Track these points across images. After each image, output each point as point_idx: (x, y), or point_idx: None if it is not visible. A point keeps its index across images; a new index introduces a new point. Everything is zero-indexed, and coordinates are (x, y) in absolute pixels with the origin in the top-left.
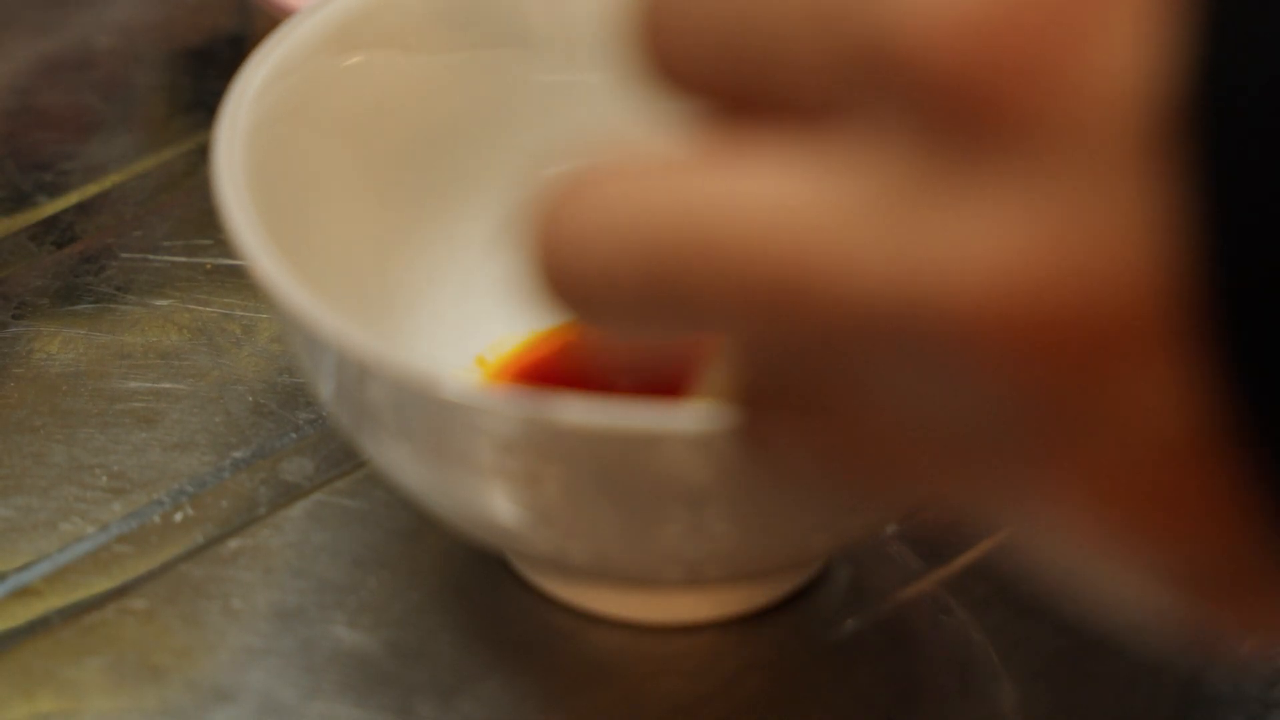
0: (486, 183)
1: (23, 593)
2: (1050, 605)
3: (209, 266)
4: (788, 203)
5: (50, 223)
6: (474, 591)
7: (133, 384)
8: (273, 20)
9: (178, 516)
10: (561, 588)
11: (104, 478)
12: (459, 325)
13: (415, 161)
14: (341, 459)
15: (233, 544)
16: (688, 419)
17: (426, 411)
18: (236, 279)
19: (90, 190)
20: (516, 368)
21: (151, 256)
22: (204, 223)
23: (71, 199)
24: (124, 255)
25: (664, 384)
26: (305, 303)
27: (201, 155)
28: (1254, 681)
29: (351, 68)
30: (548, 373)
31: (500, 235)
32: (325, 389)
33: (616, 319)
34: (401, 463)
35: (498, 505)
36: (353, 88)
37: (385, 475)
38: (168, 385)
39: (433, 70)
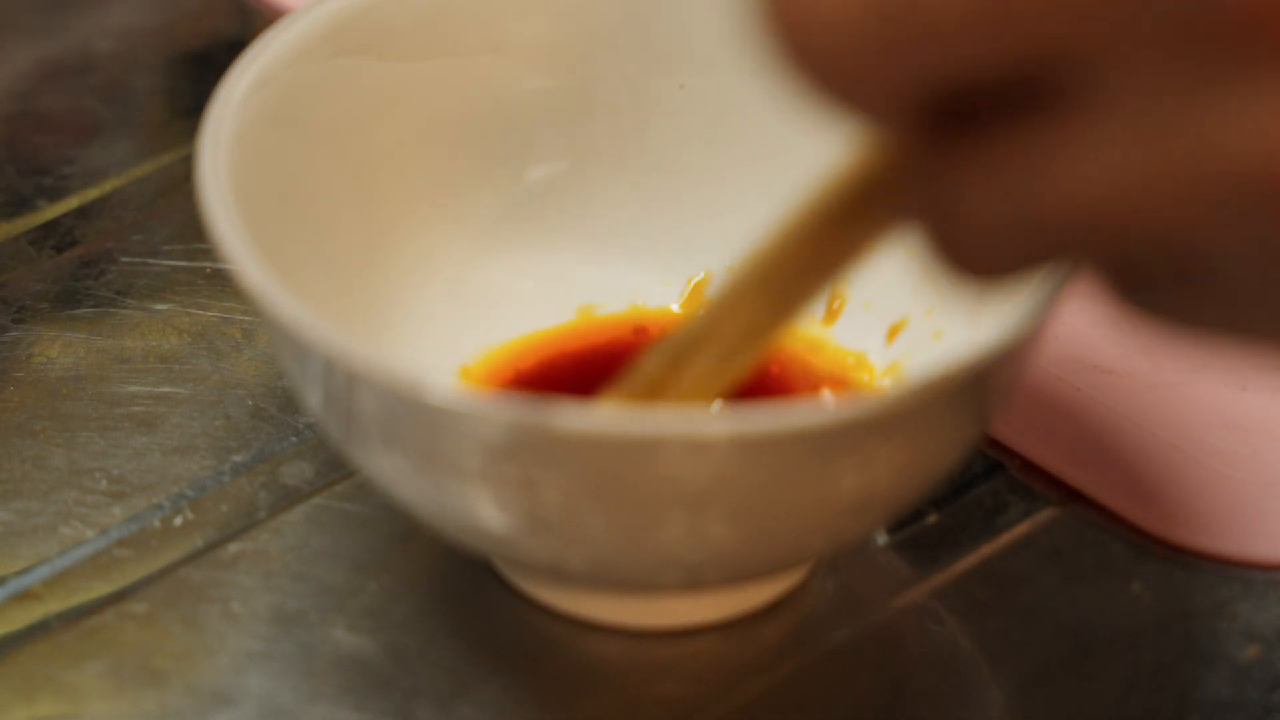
0: (468, 191)
1: (22, 597)
2: (1042, 612)
3: (209, 271)
4: None
5: (50, 227)
6: (474, 596)
7: (133, 388)
8: (272, 24)
9: (178, 520)
10: (556, 595)
11: (104, 481)
12: (442, 333)
13: (397, 169)
14: (341, 463)
15: (233, 548)
16: (684, 422)
17: (419, 419)
18: (236, 283)
19: (90, 194)
20: (501, 375)
21: (151, 261)
22: (203, 227)
23: (71, 203)
24: (124, 259)
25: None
26: (293, 310)
27: None
28: (1255, 685)
29: (333, 75)
30: (533, 381)
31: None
32: (313, 397)
33: (835, 50)
34: (392, 472)
35: (493, 513)
36: (335, 95)
37: (375, 485)
38: (168, 389)
39: (413, 78)
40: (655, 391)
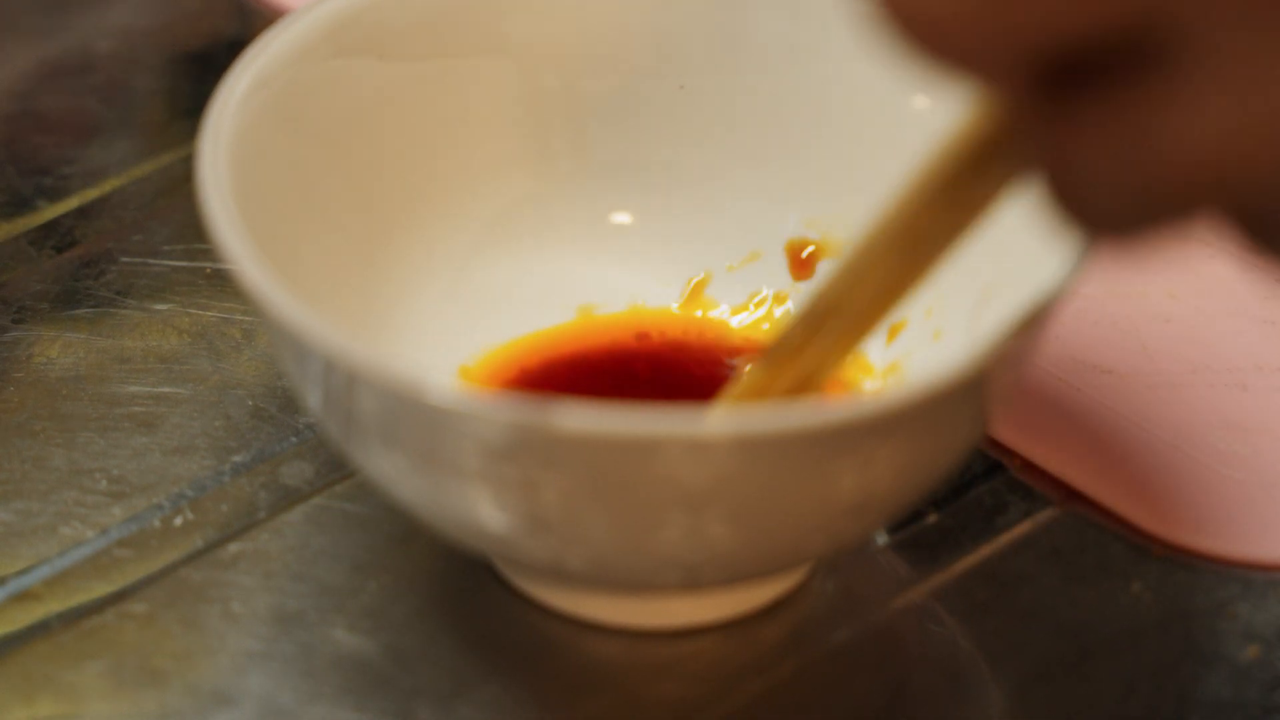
0: (468, 191)
1: (22, 597)
2: (1042, 612)
3: (209, 271)
4: None
5: (50, 227)
6: (474, 596)
7: (133, 388)
8: (272, 24)
9: (178, 521)
10: (556, 596)
11: (104, 482)
12: (442, 333)
13: (397, 169)
14: (341, 463)
15: (233, 548)
16: (684, 422)
17: (419, 419)
18: (236, 283)
19: (90, 195)
20: (505, 375)
21: (151, 261)
22: (203, 227)
23: (71, 203)
24: (124, 260)
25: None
26: (293, 310)
27: None
28: (1255, 685)
29: (333, 76)
30: (534, 380)
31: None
32: (313, 398)
33: (943, 19)
34: (393, 472)
35: (492, 513)
36: (334, 96)
37: (375, 485)
38: (168, 389)
39: (413, 78)
40: (793, 359)
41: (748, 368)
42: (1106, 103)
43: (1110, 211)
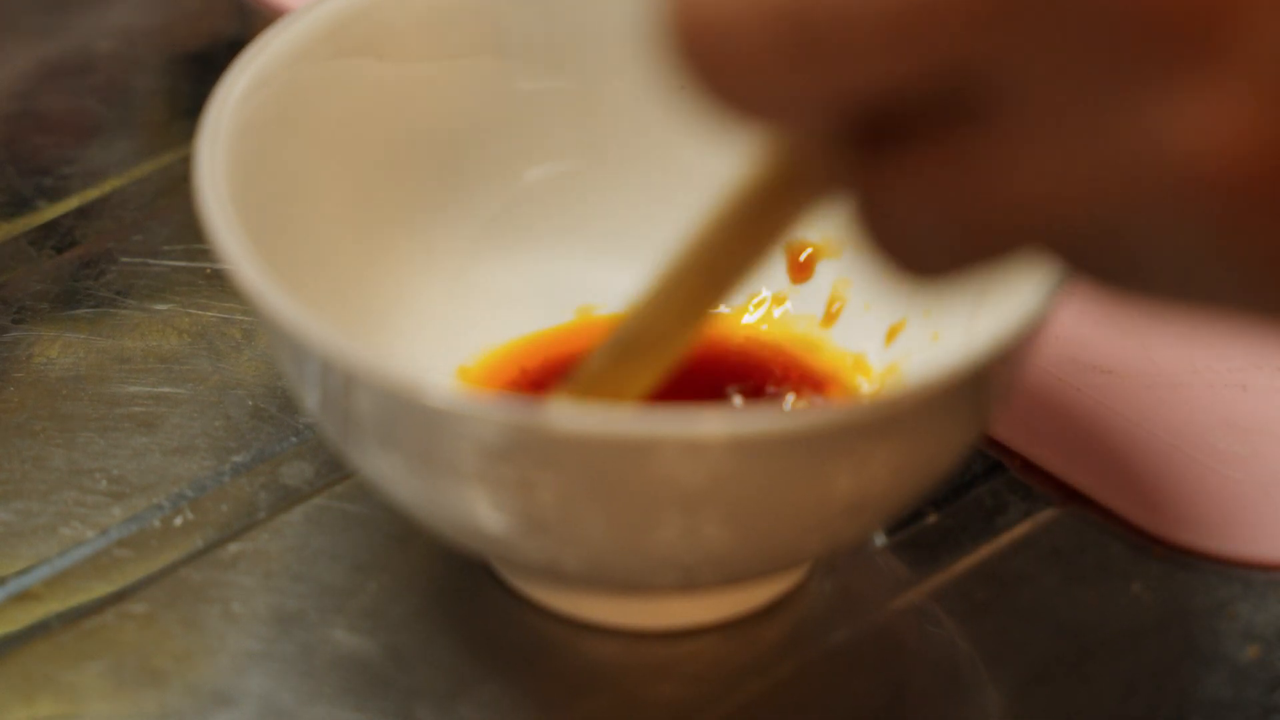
0: (467, 191)
1: (22, 597)
2: (1042, 613)
3: (209, 271)
4: None
5: (50, 227)
6: (473, 597)
7: (133, 388)
8: (272, 24)
9: (177, 521)
10: (554, 596)
11: (104, 482)
12: (441, 334)
13: (396, 170)
14: (341, 463)
15: (233, 548)
16: (680, 423)
17: (416, 420)
18: (234, 284)
19: (90, 195)
20: (500, 377)
21: (151, 261)
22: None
23: (71, 203)
24: (124, 260)
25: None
26: (290, 310)
27: None
28: (1255, 685)
29: (332, 76)
30: (533, 381)
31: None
32: (311, 398)
33: (745, 71)
34: (390, 472)
35: (489, 514)
36: (333, 96)
37: (373, 485)
38: (168, 389)
39: (413, 78)
40: (597, 384)
41: (554, 392)
42: (926, 151)
43: (928, 255)
